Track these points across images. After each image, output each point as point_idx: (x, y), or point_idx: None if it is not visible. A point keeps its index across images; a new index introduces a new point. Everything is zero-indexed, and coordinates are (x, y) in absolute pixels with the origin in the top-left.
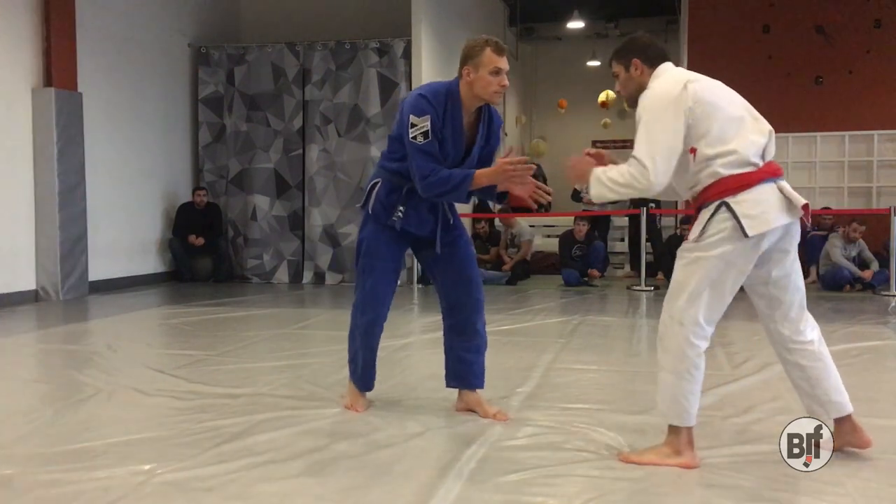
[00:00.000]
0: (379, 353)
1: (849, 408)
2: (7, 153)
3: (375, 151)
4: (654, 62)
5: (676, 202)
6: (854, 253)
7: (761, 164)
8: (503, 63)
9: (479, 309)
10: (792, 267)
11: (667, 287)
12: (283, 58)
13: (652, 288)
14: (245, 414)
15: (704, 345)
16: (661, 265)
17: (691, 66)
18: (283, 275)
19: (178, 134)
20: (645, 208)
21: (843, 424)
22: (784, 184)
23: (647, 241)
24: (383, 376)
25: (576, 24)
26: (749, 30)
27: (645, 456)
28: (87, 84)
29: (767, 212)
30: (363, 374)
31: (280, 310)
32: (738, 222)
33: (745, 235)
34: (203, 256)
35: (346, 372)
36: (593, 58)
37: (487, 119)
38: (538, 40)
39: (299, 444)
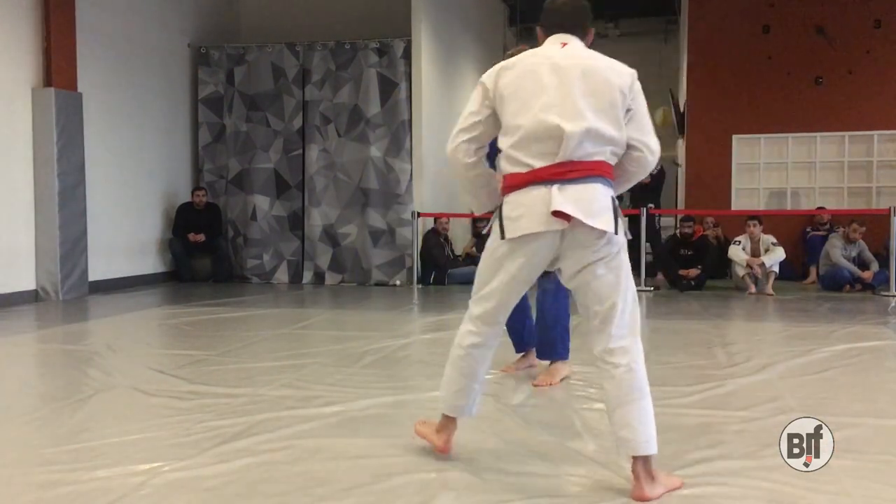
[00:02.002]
0: (379, 353)
1: (640, 449)
2: (7, 153)
3: (375, 151)
4: (547, 31)
5: (676, 202)
6: (854, 253)
7: (538, 165)
8: None
9: None
10: (592, 276)
11: (667, 287)
12: (283, 58)
13: (651, 288)
14: (245, 414)
15: (474, 339)
16: (661, 265)
17: (691, 67)
18: (282, 275)
19: (178, 134)
20: (644, 208)
21: (634, 466)
22: (557, 189)
23: (647, 241)
24: (383, 376)
25: None
26: (749, 30)
27: (422, 427)
28: (87, 84)
29: (525, 216)
30: None
31: (280, 310)
32: (501, 223)
33: (503, 237)
34: (203, 256)
35: (346, 371)
36: None
37: None
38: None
39: (299, 445)
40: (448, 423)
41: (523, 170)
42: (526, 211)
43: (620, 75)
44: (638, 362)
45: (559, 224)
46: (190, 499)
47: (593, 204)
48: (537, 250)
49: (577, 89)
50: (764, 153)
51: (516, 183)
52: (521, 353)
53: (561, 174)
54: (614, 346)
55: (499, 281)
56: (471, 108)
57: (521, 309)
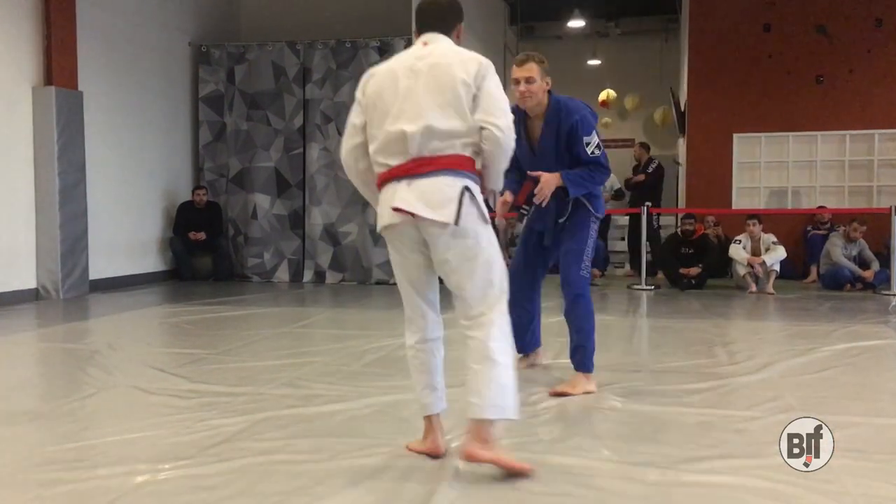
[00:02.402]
0: (379, 352)
1: (479, 412)
2: (7, 152)
3: None
4: (418, 31)
5: (677, 201)
6: (854, 252)
7: (394, 163)
8: (519, 73)
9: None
10: (447, 264)
11: (667, 286)
12: (284, 56)
13: (652, 287)
14: (245, 413)
15: (412, 338)
16: (661, 264)
17: (692, 66)
18: (283, 273)
19: (179, 133)
20: (645, 207)
21: (471, 425)
22: (405, 184)
23: (647, 240)
24: (384, 375)
25: (576, 23)
26: (750, 28)
27: (412, 444)
28: (88, 83)
29: (382, 211)
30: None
31: (280, 308)
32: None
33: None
34: (203, 255)
35: (346, 369)
36: (594, 57)
37: (552, 120)
38: (538, 39)
39: (301, 443)
40: (429, 424)
41: (384, 169)
42: (383, 206)
43: (465, 66)
44: (492, 336)
45: (398, 217)
46: (190, 498)
47: (436, 196)
48: (401, 240)
49: (424, 88)
50: (764, 152)
51: (380, 181)
52: (522, 355)
53: (410, 170)
54: (469, 321)
55: (397, 278)
56: (351, 117)
57: (526, 310)
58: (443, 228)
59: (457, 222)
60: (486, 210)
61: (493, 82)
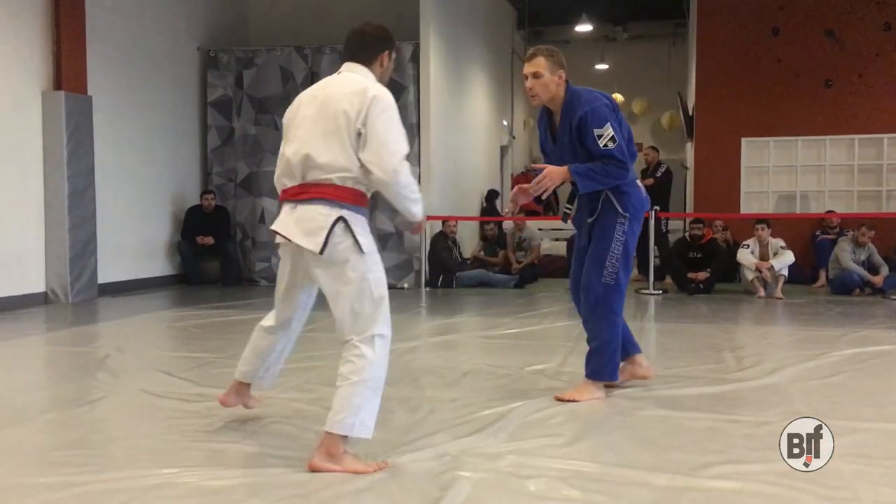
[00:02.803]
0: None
1: (329, 426)
2: (17, 156)
3: None
4: (342, 59)
5: (685, 205)
6: (863, 257)
7: (287, 186)
8: (527, 68)
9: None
10: (323, 286)
11: (675, 291)
12: (292, 61)
13: (660, 292)
14: (253, 417)
15: (264, 322)
16: (669, 268)
17: (700, 70)
18: None
19: (187, 137)
20: (653, 212)
21: (323, 437)
22: (289, 208)
23: (654, 245)
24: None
25: (584, 28)
26: (758, 33)
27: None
28: (97, 87)
29: (275, 231)
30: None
31: None
32: None
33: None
34: (211, 259)
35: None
36: (601, 61)
37: (567, 113)
38: (546, 44)
39: (308, 447)
40: (236, 384)
41: (280, 190)
42: (274, 225)
43: (350, 99)
44: (354, 359)
45: (280, 239)
46: (198, 501)
47: (308, 223)
48: (285, 258)
49: (314, 117)
50: (773, 156)
51: (279, 201)
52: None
53: (295, 195)
54: (345, 342)
55: (278, 281)
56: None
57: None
58: (312, 255)
59: (322, 251)
60: (366, 240)
61: (382, 119)
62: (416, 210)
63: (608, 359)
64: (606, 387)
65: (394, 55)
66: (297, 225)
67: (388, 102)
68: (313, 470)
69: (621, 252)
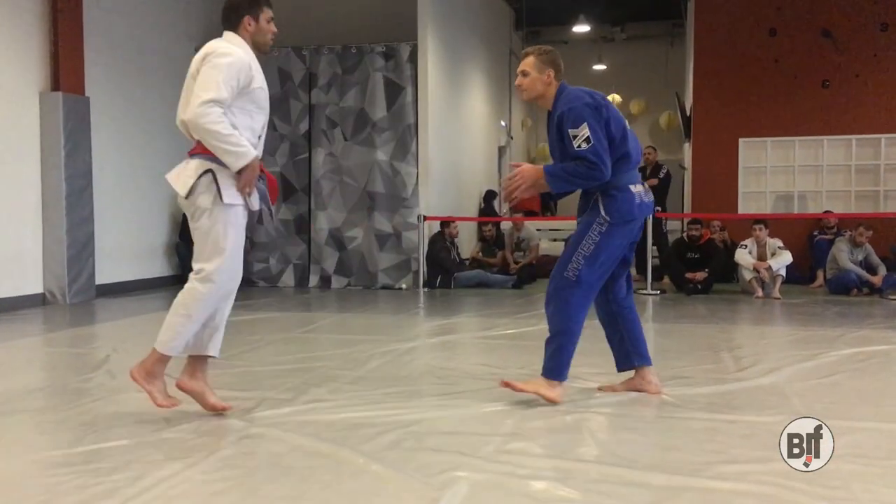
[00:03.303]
0: (385, 357)
1: (157, 343)
2: (15, 157)
3: (381, 155)
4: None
5: (683, 205)
6: (861, 257)
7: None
8: (519, 67)
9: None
10: (191, 230)
11: (673, 291)
12: (290, 62)
13: (658, 292)
14: (250, 417)
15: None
16: (667, 269)
17: (697, 70)
18: (288, 278)
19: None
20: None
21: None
22: (185, 161)
23: (653, 244)
24: (389, 380)
25: (581, 28)
26: (756, 33)
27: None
28: (95, 88)
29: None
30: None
31: (286, 313)
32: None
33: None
34: None
35: (351, 374)
36: (599, 62)
37: (552, 113)
38: (544, 44)
39: (306, 448)
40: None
41: None
42: None
43: (197, 61)
44: (193, 291)
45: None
46: (197, 500)
47: (184, 173)
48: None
49: (185, 85)
50: (770, 156)
51: None
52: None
53: (189, 152)
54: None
55: None
56: None
57: (603, 321)
58: (183, 199)
59: (187, 196)
60: (229, 192)
61: (205, 69)
62: (231, 160)
63: (562, 357)
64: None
65: (262, 15)
66: (177, 175)
67: (218, 54)
68: (131, 377)
69: (591, 252)
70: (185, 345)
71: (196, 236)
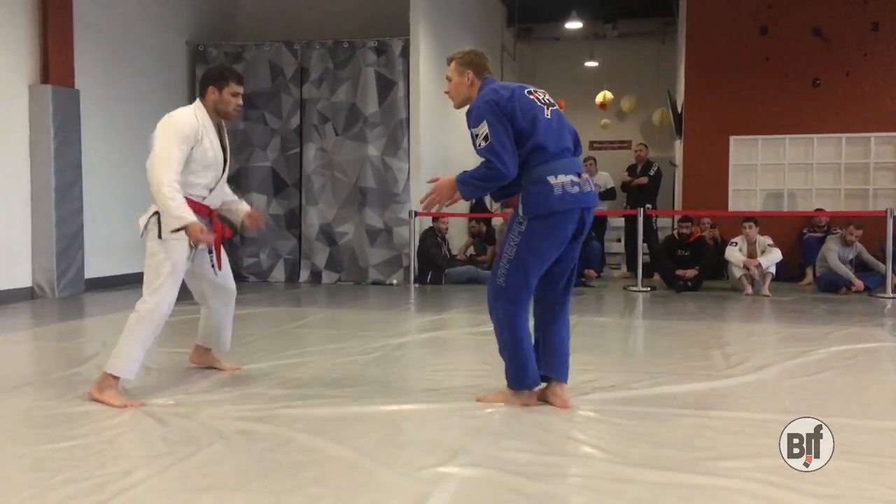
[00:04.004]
0: (375, 352)
1: (107, 364)
2: (3, 150)
3: (373, 150)
4: None
5: (673, 203)
6: (851, 256)
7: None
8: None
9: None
10: None
11: (663, 288)
12: (281, 56)
13: (648, 289)
14: (241, 412)
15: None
16: (658, 266)
17: (689, 68)
18: (279, 273)
19: None
20: (642, 209)
21: None
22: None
23: (644, 241)
24: (380, 376)
25: (574, 25)
26: (747, 31)
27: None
28: (85, 81)
29: None
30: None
31: (276, 308)
32: None
33: None
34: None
35: (342, 370)
36: (591, 59)
37: None
38: (536, 41)
39: (296, 443)
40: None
41: None
42: None
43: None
44: (135, 314)
45: None
46: (185, 497)
47: (144, 215)
48: None
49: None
50: (761, 154)
51: None
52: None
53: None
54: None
55: None
56: None
57: (536, 329)
58: (140, 236)
59: (142, 234)
60: (166, 232)
61: (157, 135)
62: (171, 223)
63: (516, 366)
64: (489, 399)
65: (227, 88)
66: (141, 217)
67: (168, 122)
68: (88, 397)
69: (514, 255)
70: (138, 366)
71: (145, 267)
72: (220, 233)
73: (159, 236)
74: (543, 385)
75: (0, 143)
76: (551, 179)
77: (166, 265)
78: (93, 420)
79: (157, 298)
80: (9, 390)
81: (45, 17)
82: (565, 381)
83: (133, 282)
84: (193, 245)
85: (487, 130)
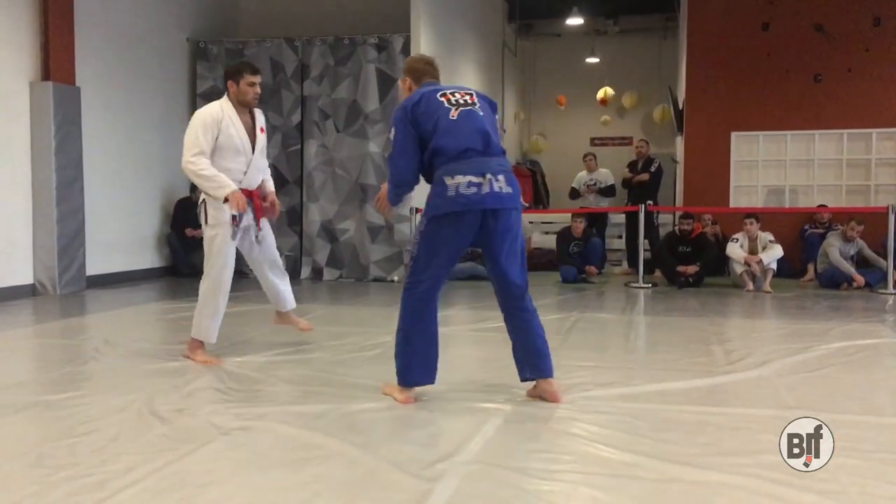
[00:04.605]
0: (377, 349)
1: None
2: (4, 147)
3: (374, 147)
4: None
5: (674, 199)
6: (853, 252)
7: None
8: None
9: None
10: None
11: (664, 284)
12: (282, 53)
13: (649, 285)
14: (242, 409)
15: None
16: (659, 263)
17: (690, 64)
18: None
19: (177, 129)
20: (643, 205)
21: None
22: None
23: (645, 238)
24: (381, 372)
25: (575, 21)
26: (748, 27)
27: None
28: (86, 78)
29: None
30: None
31: None
32: None
33: None
34: (201, 251)
35: (344, 366)
36: (592, 55)
37: None
38: (537, 37)
39: (297, 439)
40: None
41: None
42: None
43: None
44: (202, 288)
45: None
46: (187, 493)
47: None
48: None
49: None
50: (762, 150)
51: None
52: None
53: None
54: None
55: None
56: None
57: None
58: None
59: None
60: (215, 214)
61: (187, 131)
62: (214, 193)
63: (400, 363)
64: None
65: (242, 80)
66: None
67: (193, 116)
68: (183, 356)
69: (416, 253)
70: (214, 332)
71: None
72: (260, 209)
73: (206, 222)
74: (533, 384)
75: (1, 140)
76: (447, 180)
77: (215, 244)
78: (94, 417)
79: (214, 274)
80: (11, 387)
81: (46, 14)
82: (550, 377)
83: (134, 279)
84: (239, 211)
85: (391, 136)
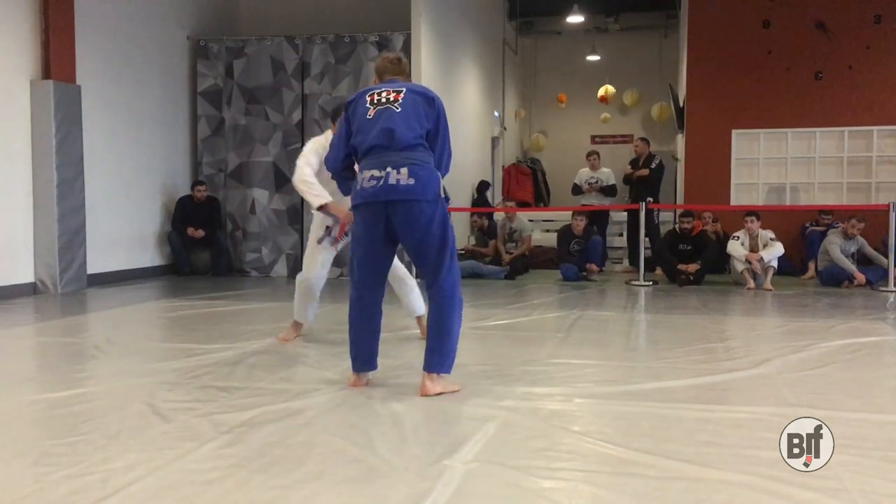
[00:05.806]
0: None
1: None
2: (5, 146)
3: None
4: None
5: (675, 197)
6: (853, 249)
7: None
8: None
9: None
10: None
11: (665, 282)
12: (283, 51)
13: (650, 283)
14: (243, 408)
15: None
16: (659, 260)
17: (691, 61)
18: (281, 268)
19: (177, 127)
20: (643, 203)
21: None
22: None
23: (646, 236)
24: (381, 370)
25: (575, 19)
26: (749, 25)
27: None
28: (86, 76)
29: None
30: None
31: (278, 303)
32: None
33: None
34: (202, 250)
35: (345, 364)
36: (593, 52)
37: None
38: (537, 34)
39: (298, 438)
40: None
41: None
42: None
43: None
44: (297, 281)
45: None
46: (188, 491)
47: None
48: None
49: None
50: (763, 148)
51: None
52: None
53: None
54: None
55: None
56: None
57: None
58: None
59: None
60: (315, 225)
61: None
62: (311, 201)
63: (349, 348)
64: None
65: (339, 118)
66: None
67: (308, 142)
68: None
69: (351, 244)
70: (309, 316)
71: None
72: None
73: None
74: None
75: (1, 138)
76: (359, 176)
77: (309, 245)
78: (95, 415)
79: (305, 270)
80: (12, 385)
81: (47, 13)
82: (429, 371)
83: (135, 277)
84: (340, 220)
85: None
